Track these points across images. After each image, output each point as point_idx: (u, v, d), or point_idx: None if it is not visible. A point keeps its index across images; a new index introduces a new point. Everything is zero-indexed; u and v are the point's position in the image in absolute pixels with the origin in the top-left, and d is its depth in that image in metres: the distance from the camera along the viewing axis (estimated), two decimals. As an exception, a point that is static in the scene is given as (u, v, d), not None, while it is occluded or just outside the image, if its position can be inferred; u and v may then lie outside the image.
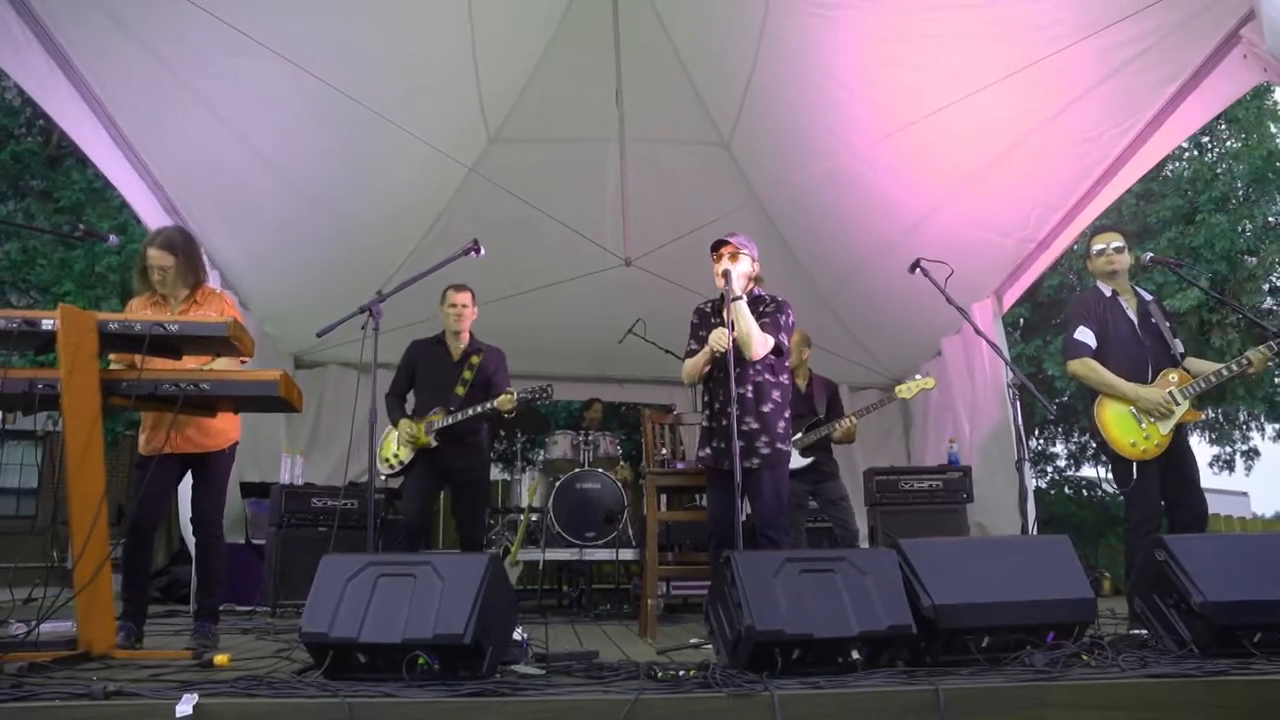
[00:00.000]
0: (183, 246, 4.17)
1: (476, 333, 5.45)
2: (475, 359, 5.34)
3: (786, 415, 4.28)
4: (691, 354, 4.37)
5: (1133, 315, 4.42)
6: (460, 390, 5.25)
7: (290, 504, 6.43)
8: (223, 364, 3.95)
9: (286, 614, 5.92)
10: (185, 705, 2.31)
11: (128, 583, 4.03)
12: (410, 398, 5.42)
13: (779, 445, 4.18)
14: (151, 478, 3.93)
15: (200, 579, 4.23)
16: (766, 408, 4.17)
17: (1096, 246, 4.51)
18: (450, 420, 5.14)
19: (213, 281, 5.71)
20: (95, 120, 5.11)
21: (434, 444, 5.16)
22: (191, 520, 4.19)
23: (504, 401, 5.08)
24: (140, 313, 4.03)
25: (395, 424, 5.30)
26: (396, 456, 5.35)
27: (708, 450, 4.28)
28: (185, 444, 4.06)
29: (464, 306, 5.30)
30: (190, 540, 4.67)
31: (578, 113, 6.67)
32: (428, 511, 5.43)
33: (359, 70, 5.40)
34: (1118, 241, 4.46)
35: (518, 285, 7.32)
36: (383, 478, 5.67)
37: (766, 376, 4.22)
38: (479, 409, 5.13)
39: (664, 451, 5.49)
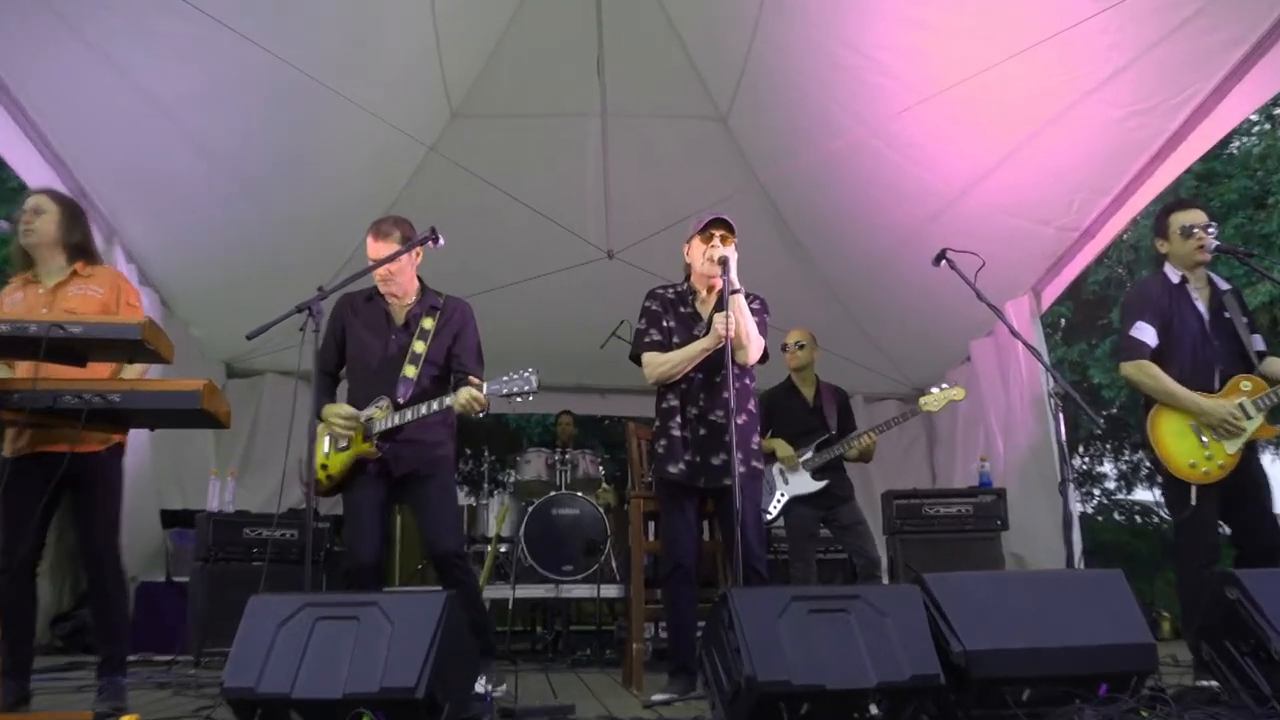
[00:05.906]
0: (70, 205, 4.09)
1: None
2: (428, 322, 4.32)
3: (758, 428, 4.33)
4: (653, 346, 4.28)
5: (1203, 308, 4.19)
6: (410, 371, 4.22)
7: (219, 535, 6.28)
8: (135, 371, 3.86)
9: (212, 664, 5.81)
10: (80, 775, 2.23)
11: (4, 630, 3.73)
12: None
13: (754, 463, 4.22)
14: (9, 488, 3.64)
15: (99, 624, 3.97)
16: (742, 418, 4.12)
17: (1184, 222, 4.18)
18: (397, 420, 4.14)
19: (130, 277, 5.63)
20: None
21: (377, 453, 4.17)
22: (80, 553, 3.96)
23: (468, 403, 4.06)
24: (9, 298, 3.93)
25: (321, 415, 4.17)
26: (327, 470, 4.23)
27: (680, 465, 4.18)
28: (52, 440, 3.71)
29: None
30: None
31: (554, 83, 6.65)
32: (382, 543, 4.40)
33: (302, 34, 5.34)
34: (1207, 221, 4.19)
35: (483, 281, 7.23)
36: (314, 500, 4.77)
37: (745, 381, 4.23)
38: (433, 406, 4.12)
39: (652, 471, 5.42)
